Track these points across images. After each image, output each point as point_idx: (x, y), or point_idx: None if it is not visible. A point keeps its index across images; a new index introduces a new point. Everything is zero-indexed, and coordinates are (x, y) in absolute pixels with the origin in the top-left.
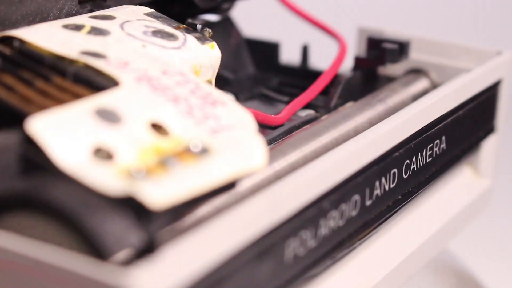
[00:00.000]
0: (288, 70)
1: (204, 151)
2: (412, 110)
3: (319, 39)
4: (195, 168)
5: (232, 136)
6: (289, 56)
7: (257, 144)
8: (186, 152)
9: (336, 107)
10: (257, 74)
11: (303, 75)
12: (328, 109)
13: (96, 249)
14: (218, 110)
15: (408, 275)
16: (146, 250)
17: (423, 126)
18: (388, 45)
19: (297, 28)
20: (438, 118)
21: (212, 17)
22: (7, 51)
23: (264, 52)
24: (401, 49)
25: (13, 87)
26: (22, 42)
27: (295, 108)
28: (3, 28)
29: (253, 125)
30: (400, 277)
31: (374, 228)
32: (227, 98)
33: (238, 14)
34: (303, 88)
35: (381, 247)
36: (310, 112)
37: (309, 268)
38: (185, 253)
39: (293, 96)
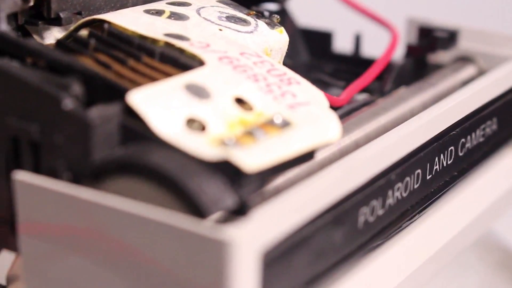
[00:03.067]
0: (341, 58)
1: (285, 124)
2: (467, 92)
3: (368, 29)
4: (279, 138)
5: (309, 111)
6: (341, 45)
7: (332, 118)
8: (269, 125)
9: (389, 91)
10: (312, 62)
11: (355, 62)
12: (383, 94)
13: (196, 209)
14: (293, 88)
15: (457, 251)
16: (239, 212)
17: (476, 107)
18: (439, 33)
19: (349, 18)
20: (489, 100)
21: (272, 6)
22: (97, 33)
23: (318, 41)
24: (451, 37)
25: (109, 65)
26: (110, 25)
27: (353, 92)
28: (89, 14)
29: (325, 102)
30: (451, 252)
31: (432, 202)
32: (300, 78)
33: (294, 5)
34: (355, 75)
35: (436, 223)
36: (366, 96)
37: (377, 236)
38: (272, 215)
39: (347, 82)
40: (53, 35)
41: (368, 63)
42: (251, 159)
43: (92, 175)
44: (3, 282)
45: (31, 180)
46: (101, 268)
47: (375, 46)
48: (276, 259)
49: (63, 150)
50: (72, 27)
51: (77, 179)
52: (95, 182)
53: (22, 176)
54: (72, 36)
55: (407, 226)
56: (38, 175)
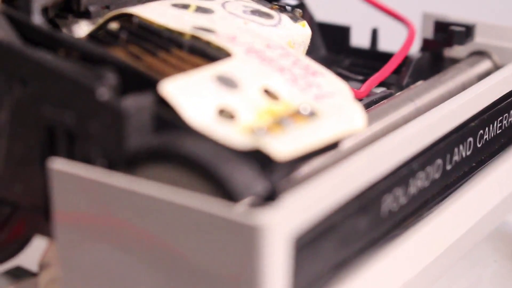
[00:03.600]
0: (358, 53)
1: (312, 114)
2: (485, 85)
3: (383, 24)
4: (306, 127)
5: (334, 102)
6: (357, 40)
7: (357, 109)
8: (296, 114)
9: (407, 85)
10: (329, 56)
11: (372, 57)
12: (400, 87)
13: (228, 195)
14: (318, 80)
15: (475, 241)
16: (268, 198)
17: (494, 100)
18: (456, 28)
19: (365, 13)
20: (507, 93)
21: (291, 1)
22: (127, 26)
23: (336, 35)
24: (468, 31)
25: (140, 57)
26: (139, 18)
27: (372, 85)
28: (116, 7)
29: (350, 93)
30: (468, 242)
31: (452, 192)
32: (325, 69)
33: (311, 0)
34: (372, 69)
35: (455, 212)
36: (384, 89)
37: (399, 224)
38: (302, 201)
39: (364, 76)
40: (81, 29)
41: (384, 57)
42: (281, 147)
43: (125, 163)
44: (36, 269)
45: (66, 167)
46: (134, 257)
47: (390, 41)
48: (305, 245)
49: (97, 139)
50: (100, 20)
51: (110, 167)
52: (128, 170)
53: (57, 164)
54: (101, 29)
55: (427, 215)
56: (73, 162)
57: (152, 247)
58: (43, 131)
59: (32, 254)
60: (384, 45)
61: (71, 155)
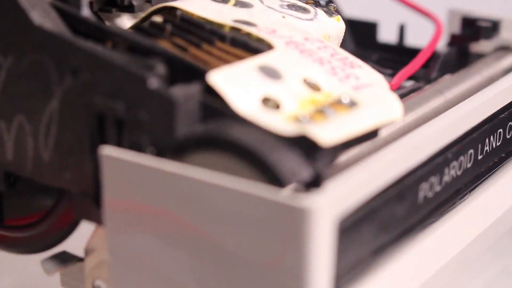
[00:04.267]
0: (385, 48)
1: (352, 104)
2: None
3: (408, 20)
4: (348, 116)
5: (372, 92)
6: (383, 36)
7: (394, 99)
8: (338, 104)
9: (435, 79)
10: (357, 51)
11: (400, 52)
12: (428, 81)
13: (275, 180)
14: (356, 71)
15: (503, 231)
16: (313, 183)
17: None
18: (483, 23)
19: (391, 9)
20: None
21: None
22: (170, 19)
23: (363, 31)
24: (494, 26)
25: (186, 48)
26: (182, 11)
27: (402, 79)
28: (157, 2)
29: (386, 84)
30: (497, 232)
31: (482, 182)
32: (361, 62)
33: None
34: (400, 64)
35: (485, 201)
36: (413, 83)
37: (434, 211)
38: (346, 187)
39: (393, 70)
40: (123, 22)
41: (412, 52)
42: (325, 134)
43: (174, 150)
44: (81, 254)
45: (117, 154)
46: (179, 247)
47: (415, 36)
48: (348, 228)
49: (147, 127)
50: (143, 14)
51: (159, 154)
52: (177, 157)
53: (108, 151)
54: (144, 23)
55: (459, 203)
56: (124, 149)
57: (197, 238)
58: (93, 119)
59: (77, 239)
60: (409, 41)
61: (120, 143)
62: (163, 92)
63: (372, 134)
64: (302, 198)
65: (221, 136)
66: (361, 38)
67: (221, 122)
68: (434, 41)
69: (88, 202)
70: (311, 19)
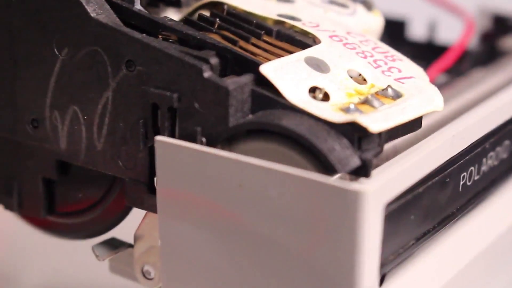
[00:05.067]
0: (415, 45)
1: (396, 95)
2: None
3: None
4: (394, 106)
5: (414, 84)
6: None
7: (436, 91)
8: (383, 95)
9: (464, 73)
10: None
11: (429, 49)
12: (458, 75)
13: (327, 167)
14: (397, 64)
15: None
16: (361, 171)
17: None
18: None
19: (419, 6)
20: None
21: None
22: (217, 13)
23: (392, 28)
24: None
25: (235, 41)
26: (228, 6)
27: (434, 74)
28: None
29: (426, 77)
30: None
31: None
32: (401, 55)
33: None
34: (430, 61)
35: None
36: (444, 77)
37: (473, 199)
38: (392, 174)
39: (423, 67)
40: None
41: (441, 50)
42: (375, 122)
43: (226, 139)
44: (129, 240)
45: (171, 142)
46: (228, 238)
47: (443, 33)
48: (394, 213)
49: (200, 116)
50: (190, 8)
51: (211, 143)
52: (228, 146)
53: (162, 140)
54: (192, 16)
55: (496, 192)
56: (177, 139)
57: (247, 230)
58: (147, 108)
59: (129, 226)
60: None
61: (173, 132)
62: (218, 82)
63: (416, 125)
64: (355, 182)
65: (274, 124)
66: (389, 36)
67: (273, 112)
68: (465, 38)
69: (140, 189)
70: (351, 14)
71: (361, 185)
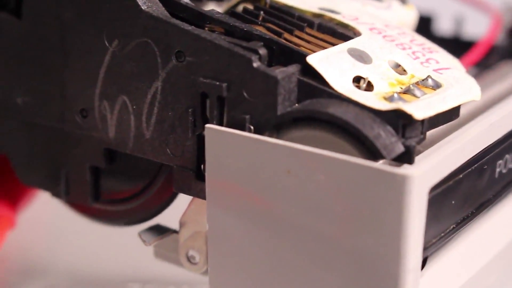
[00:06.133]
0: (441, 41)
1: (436, 85)
2: None
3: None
4: (435, 96)
5: (452, 75)
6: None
7: (472, 81)
8: (423, 85)
9: (491, 66)
10: None
11: (456, 45)
12: (486, 68)
13: (374, 153)
14: (435, 55)
15: None
16: (405, 157)
17: None
18: None
19: (447, 3)
20: None
21: None
22: (260, 6)
23: (419, 24)
24: None
25: (280, 33)
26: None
27: (464, 66)
28: None
29: (462, 68)
30: None
31: None
32: (437, 47)
33: None
34: (457, 56)
35: None
36: (473, 70)
37: (508, 185)
38: (435, 160)
39: None
40: None
41: (467, 45)
42: (419, 110)
43: (274, 127)
44: (173, 226)
45: (222, 130)
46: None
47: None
48: (437, 197)
49: (249, 104)
50: (233, 1)
51: (259, 131)
52: (276, 133)
53: (212, 129)
54: (235, 9)
55: None
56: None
57: (295, 219)
58: (196, 98)
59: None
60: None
61: (221, 121)
62: (267, 71)
63: (455, 114)
64: (402, 167)
65: (322, 112)
66: (416, 31)
67: (319, 100)
68: (492, 34)
69: (188, 176)
70: (387, 8)
71: (409, 169)
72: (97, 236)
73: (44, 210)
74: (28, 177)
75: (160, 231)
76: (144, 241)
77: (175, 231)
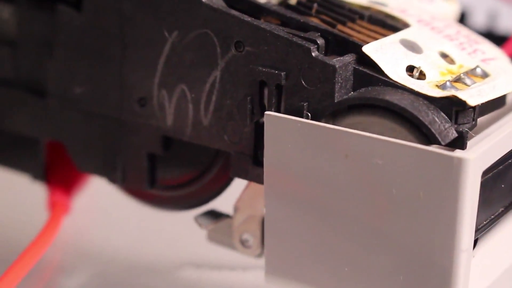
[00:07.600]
0: None
1: (484, 74)
2: None
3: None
4: (485, 84)
5: (499, 65)
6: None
7: None
8: (473, 74)
9: None
10: None
11: (490, 39)
12: None
13: (429, 140)
14: (480, 46)
15: None
16: (457, 142)
17: None
18: None
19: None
20: None
21: None
22: None
23: None
24: None
25: (334, 25)
26: None
27: None
28: None
29: (507, 58)
30: None
31: None
32: (482, 38)
33: None
34: None
35: None
36: None
37: None
38: (486, 145)
39: None
40: None
41: (502, 39)
42: (472, 97)
43: (331, 114)
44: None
45: (281, 117)
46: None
47: (503, 24)
48: (489, 180)
49: (307, 92)
50: None
51: (316, 118)
52: (332, 120)
53: (272, 116)
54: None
55: None
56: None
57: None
58: (254, 86)
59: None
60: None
61: (279, 108)
62: (325, 60)
63: (502, 102)
64: (456, 152)
65: (379, 99)
66: None
67: (375, 88)
68: None
69: (245, 162)
70: (430, 2)
71: (464, 153)
72: (151, 221)
73: (98, 196)
74: (85, 164)
75: (215, 215)
76: (200, 225)
77: (228, 216)
